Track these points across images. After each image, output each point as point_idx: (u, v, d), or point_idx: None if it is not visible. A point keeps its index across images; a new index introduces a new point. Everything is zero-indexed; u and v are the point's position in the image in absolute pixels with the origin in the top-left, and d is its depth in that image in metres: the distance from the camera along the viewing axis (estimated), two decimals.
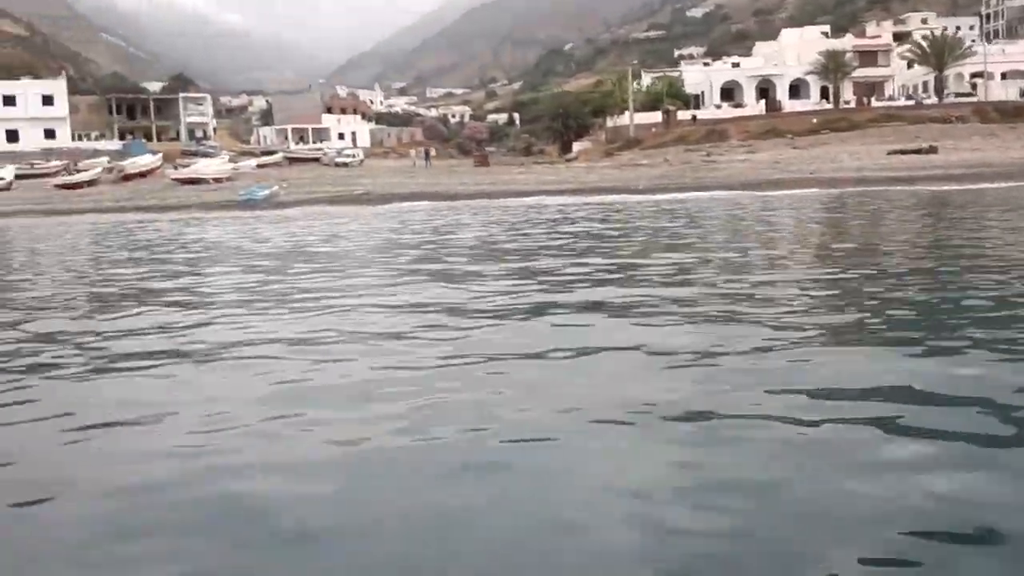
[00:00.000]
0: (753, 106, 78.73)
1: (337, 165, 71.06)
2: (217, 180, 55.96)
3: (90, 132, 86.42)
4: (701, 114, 77.61)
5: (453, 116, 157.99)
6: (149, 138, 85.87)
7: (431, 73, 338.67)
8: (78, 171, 63.36)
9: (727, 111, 78.17)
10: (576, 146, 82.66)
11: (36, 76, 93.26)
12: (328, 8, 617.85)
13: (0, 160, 69.91)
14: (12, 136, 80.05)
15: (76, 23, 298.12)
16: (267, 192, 47.25)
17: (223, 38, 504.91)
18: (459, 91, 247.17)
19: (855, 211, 25.38)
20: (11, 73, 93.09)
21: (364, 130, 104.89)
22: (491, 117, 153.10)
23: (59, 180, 59.21)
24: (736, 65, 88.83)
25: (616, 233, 20.47)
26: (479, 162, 68.86)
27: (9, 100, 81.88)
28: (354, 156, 75.94)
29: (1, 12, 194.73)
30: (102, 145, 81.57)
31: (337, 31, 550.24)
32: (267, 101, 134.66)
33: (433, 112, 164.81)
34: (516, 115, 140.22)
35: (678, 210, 28.13)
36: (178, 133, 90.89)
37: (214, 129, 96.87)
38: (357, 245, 19.70)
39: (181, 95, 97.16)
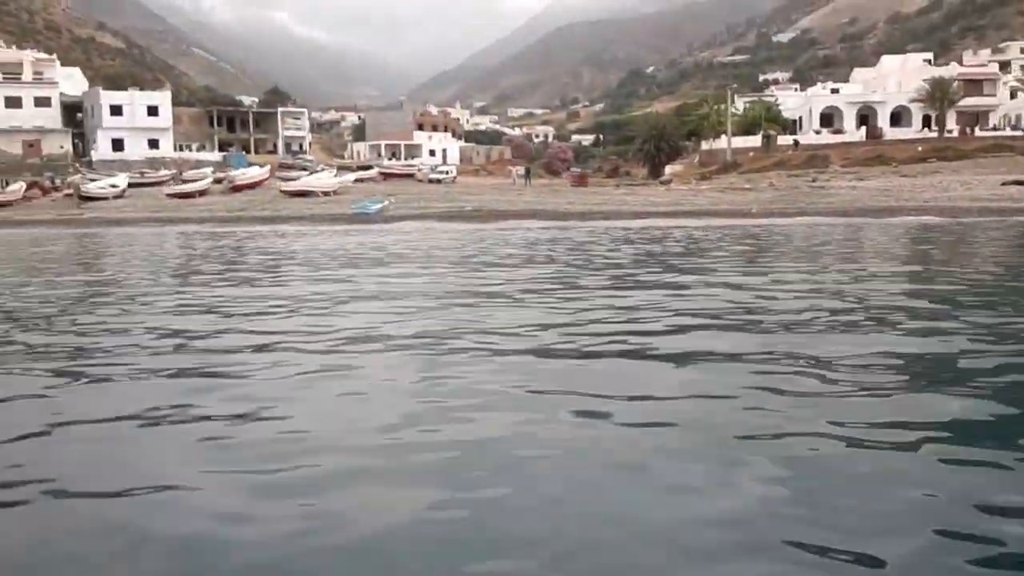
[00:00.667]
0: (853, 132, 77.65)
1: (431, 181, 71.71)
2: (325, 193, 57.08)
3: (191, 143, 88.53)
4: (800, 139, 76.80)
5: (537, 136, 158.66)
6: (247, 150, 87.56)
7: (511, 92, 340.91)
8: (184, 181, 64.96)
9: (826, 137, 77.26)
10: (667, 169, 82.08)
11: (140, 88, 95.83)
12: (412, 27, 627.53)
13: (106, 168, 72.44)
14: (118, 145, 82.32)
15: (169, 36, 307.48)
16: (379, 206, 48.10)
17: (308, 53, 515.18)
18: (539, 111, 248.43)
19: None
20: (115, 84, 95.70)
21: (454, 147, 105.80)
22: (574, 138, 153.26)
23: (171, 189, 60.83)
24: (835, 91, 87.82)
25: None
26: (577, 182, 68.59)
27: (116, 110, 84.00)
28: (447, 173, 76.56)
29: (102, 26, 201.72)
30: (203, 156, 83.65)
31: (419, 49, 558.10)
32: (359, 117, 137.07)
33: (516, 131, 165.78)
34: (601, 136, 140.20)
35: (812, 234, 27.85)
36: (275, 146, 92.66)
37: (309, 143, 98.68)
38: (529, 260, 19.82)
39: (280, 109, 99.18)
